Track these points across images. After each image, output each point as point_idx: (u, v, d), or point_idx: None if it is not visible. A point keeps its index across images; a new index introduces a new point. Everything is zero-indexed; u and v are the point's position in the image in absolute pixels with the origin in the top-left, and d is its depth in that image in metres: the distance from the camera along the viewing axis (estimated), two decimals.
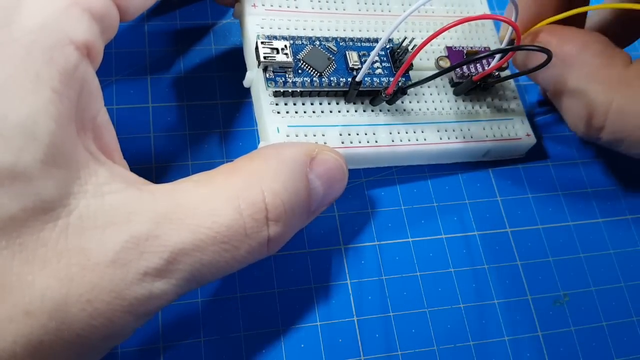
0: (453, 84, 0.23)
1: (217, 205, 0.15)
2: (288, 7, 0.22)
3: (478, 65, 0.23)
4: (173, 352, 0.19)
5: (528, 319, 0.22)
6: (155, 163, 0.22)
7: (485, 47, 0.25)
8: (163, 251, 0.14)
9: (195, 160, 0.22)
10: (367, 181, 0.23)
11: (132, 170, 0.17)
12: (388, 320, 0.21)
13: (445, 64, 0.23)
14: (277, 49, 0.20)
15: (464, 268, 0.22)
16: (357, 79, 0.20)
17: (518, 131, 0.24)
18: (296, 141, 0.20)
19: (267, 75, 0.20)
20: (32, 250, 0.13)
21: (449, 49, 0.24)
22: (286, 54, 0.20)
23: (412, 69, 0.22)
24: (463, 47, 0.24)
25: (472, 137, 0.23)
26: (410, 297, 0.22)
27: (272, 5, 0.22)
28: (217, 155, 0.23)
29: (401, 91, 0.21)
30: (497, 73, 0.23)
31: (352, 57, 0.21)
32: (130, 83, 0.23)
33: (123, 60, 0.24)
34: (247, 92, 0.22)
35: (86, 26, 0.15)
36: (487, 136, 0.23)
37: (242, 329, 0.20)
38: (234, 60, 0.24)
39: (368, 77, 0.21)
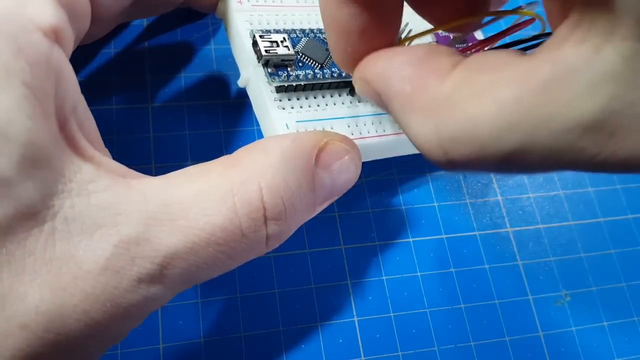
0: None
1: (211, 204, 0.14)
2: (273, 1, 0.22)
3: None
4: (173, 352, 0.19)
5: (529, 318, 0.22)
6: (155, 163, 0.22)
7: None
8: (155, 256, 0.13)
9: (195, 160, 0.22)
10: (367, 181, 0.23)
11: None
12: (388, 320, 0.21)
13: None
14: (276, 42, 0.20)
15: (465, 268, 0.22)
16: None
17: None
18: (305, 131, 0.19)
19: (269, 69, 0.19)
20: (19, 259, 0.12)
21: (437, 35, 0.24)
22: (286, 46, 0.20)
23: None
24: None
25: None
26: (411, 297, 0.21)
27: (257, 1, 0.22)
28: (216, 156, 0.23)
29: None
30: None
31: None
32: (130, 83, 0.23)
33: (122, 61, 0.24)
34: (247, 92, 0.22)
35: (52, 10, 0.13)
36: None
37: (242, 329, 0.20)
38: (235, 60, 0.24)
39: None
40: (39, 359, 0.12)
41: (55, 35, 0.14)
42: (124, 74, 0.23)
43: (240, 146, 0.23)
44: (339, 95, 0.21)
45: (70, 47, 0.15)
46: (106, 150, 0.17)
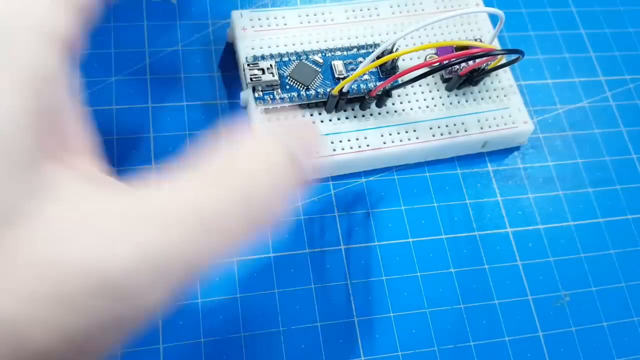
0: (444, 80, 0.24)
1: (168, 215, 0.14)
2: (277, 25, 0.24)
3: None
4: (173, 352, 0.19)
5: (529, 319, 0.22)
6: (155, 163, 0.22)
7: (477, 38, 0.25)
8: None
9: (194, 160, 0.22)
10: (367, 181, 0.23)
11: (131, 170, 0.16)
12: (388, 320, 0.21)
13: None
14: (262, 69, 0.22)
15: (464, 268, 0.22)
16: (344, 89, 0.21)
17: (515, 119, 0.24)
18: None
19: (256, 94, 0.22)
20: None
21: (439, 49, 0.24)
22: (272, 73, 0.22)
23: (397, 70, 0.23)
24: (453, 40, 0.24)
25: (466, 131, 0.23)
26: (411, 297, 0.22)
27: (261, 26, 0.23)
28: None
29: (386, 93, 0.22)
30: (484, 66, 0.23)
31: (338, 67, 0.22)
32: (130, 83, 0.23)
33: (123, 60, 0.24)
34: None
35: (63, 21, 0.14)
36: (482, 128, 0.24)
37: (242, 329, 0.20)
38: (233, 60, 0.24)
39: (355, 83, 0.22)
40: None
41: (63, 46, 0.14)
42: (124, 74, 0.23)
43: None
44: (319, 114, 0.23)
45: (78, 60, 0.15)
46: (93, 155, 0.17)
